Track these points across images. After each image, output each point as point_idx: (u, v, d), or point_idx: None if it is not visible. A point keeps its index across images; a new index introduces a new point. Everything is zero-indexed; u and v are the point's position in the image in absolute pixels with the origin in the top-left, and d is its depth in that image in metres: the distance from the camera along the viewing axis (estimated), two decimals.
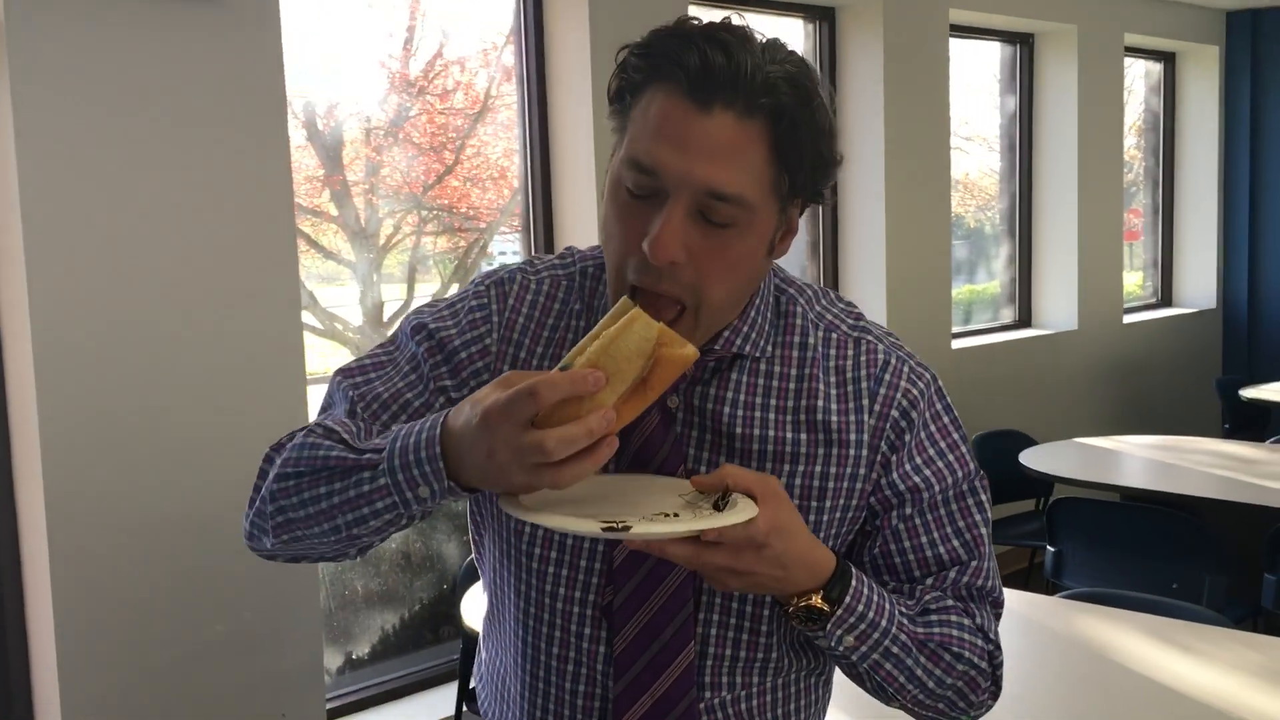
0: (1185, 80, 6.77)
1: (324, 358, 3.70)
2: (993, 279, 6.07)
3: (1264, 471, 3.76)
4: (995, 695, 1.17)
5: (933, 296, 5.00)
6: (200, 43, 2.80)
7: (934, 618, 1.12)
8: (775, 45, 1.03)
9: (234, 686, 2.94)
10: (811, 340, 1.15)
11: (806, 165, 1.03)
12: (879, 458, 1.14)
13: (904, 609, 1.11)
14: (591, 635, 1.13)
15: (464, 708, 2.88)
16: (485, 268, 4.21)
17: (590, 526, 0.94)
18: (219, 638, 2.91)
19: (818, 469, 1.13)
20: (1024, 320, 5.92)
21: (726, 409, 1.13)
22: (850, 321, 1.18)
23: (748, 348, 1.13)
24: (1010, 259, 5.94)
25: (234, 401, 2.91)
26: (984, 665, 1.14)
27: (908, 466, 1.14)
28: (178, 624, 2.85)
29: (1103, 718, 1.86)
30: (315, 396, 3.17)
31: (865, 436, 1.13)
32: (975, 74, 5.73)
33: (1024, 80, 5.81)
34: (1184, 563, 3.19)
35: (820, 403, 1.13)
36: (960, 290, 5.63)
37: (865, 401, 1.14)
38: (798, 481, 1.13)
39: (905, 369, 1.16)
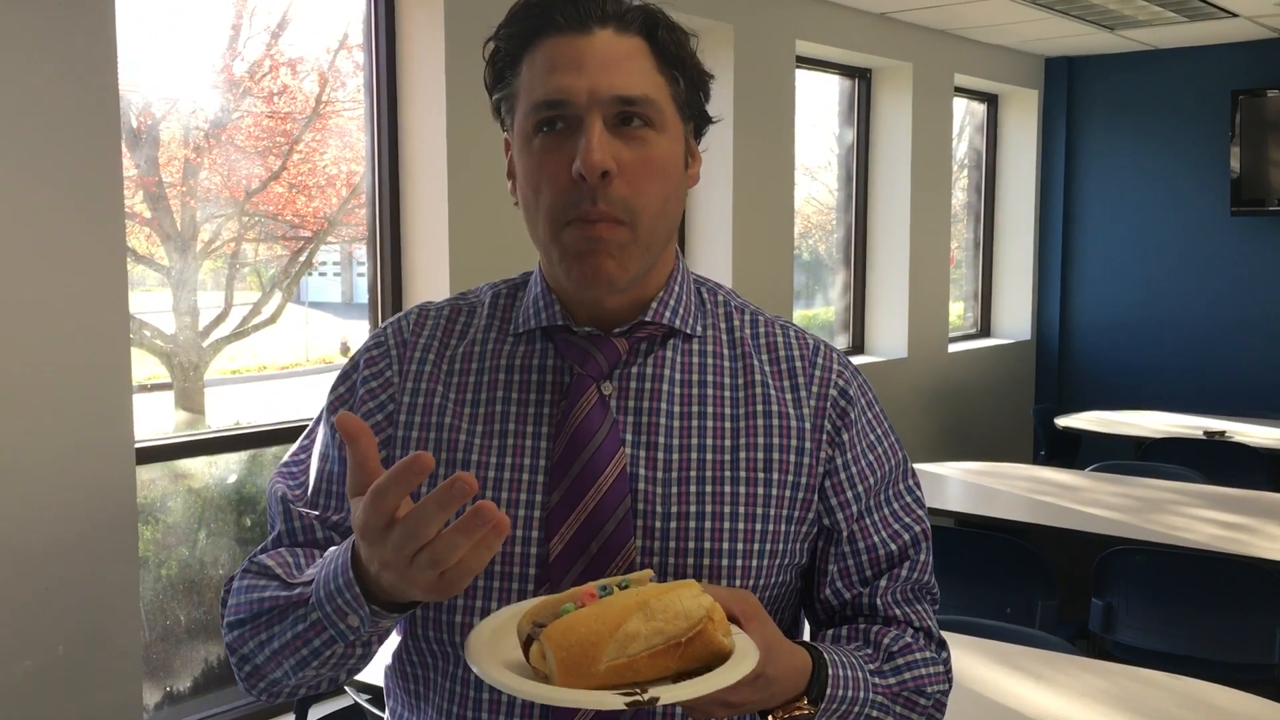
0: (1006, 121, 7.11)
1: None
2: (828, 305, 6.21)
3: (1085, 498, 3.93)
4: (950, 689, 1.17)
5: None
6: (26, 28, 2.58)
7: (900, 661, 1.11)
8: None
9: None
10: (738, 323, 1.16)
11: (690, 71, 1.09)
12: (825, 436, 1.12)
13: (871, 667, 1.08)
14: None
15: None
16: (308, 278, 4.05)
17: (611, 700, 0.83)
18: (26, 674, 2.67)
19: (760, 440, 1.10)
20: (858, 347, 6.08)
21: (665, 387, 1.10)
22: (770, 314, 1.20)
23: (678, 322, 1.12)
24: (845, 287, 6.09)
25: (53, 416, 2.68)
26: (946, 686, 1.14)
27: (854, 451, 1.13)
28: None
29: None
30: (139, 410, 2.96)
31: (807, 412, 1.12)
32: (803, 107, 5.86)
33: (861, 113, 5.98)
34: (1017, 587, 3.29)
35: (758, 377, 1.13)
36: (794, 317, 5.74)
37: (802, 380, 1.14)
38: (743, 455, 1.09)
39: (834, 355, 1.17)
